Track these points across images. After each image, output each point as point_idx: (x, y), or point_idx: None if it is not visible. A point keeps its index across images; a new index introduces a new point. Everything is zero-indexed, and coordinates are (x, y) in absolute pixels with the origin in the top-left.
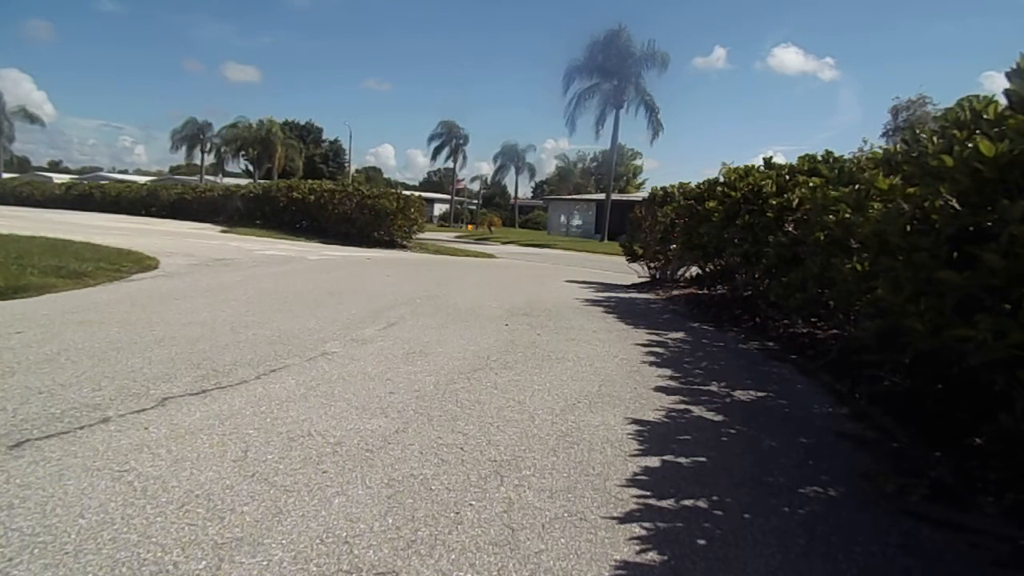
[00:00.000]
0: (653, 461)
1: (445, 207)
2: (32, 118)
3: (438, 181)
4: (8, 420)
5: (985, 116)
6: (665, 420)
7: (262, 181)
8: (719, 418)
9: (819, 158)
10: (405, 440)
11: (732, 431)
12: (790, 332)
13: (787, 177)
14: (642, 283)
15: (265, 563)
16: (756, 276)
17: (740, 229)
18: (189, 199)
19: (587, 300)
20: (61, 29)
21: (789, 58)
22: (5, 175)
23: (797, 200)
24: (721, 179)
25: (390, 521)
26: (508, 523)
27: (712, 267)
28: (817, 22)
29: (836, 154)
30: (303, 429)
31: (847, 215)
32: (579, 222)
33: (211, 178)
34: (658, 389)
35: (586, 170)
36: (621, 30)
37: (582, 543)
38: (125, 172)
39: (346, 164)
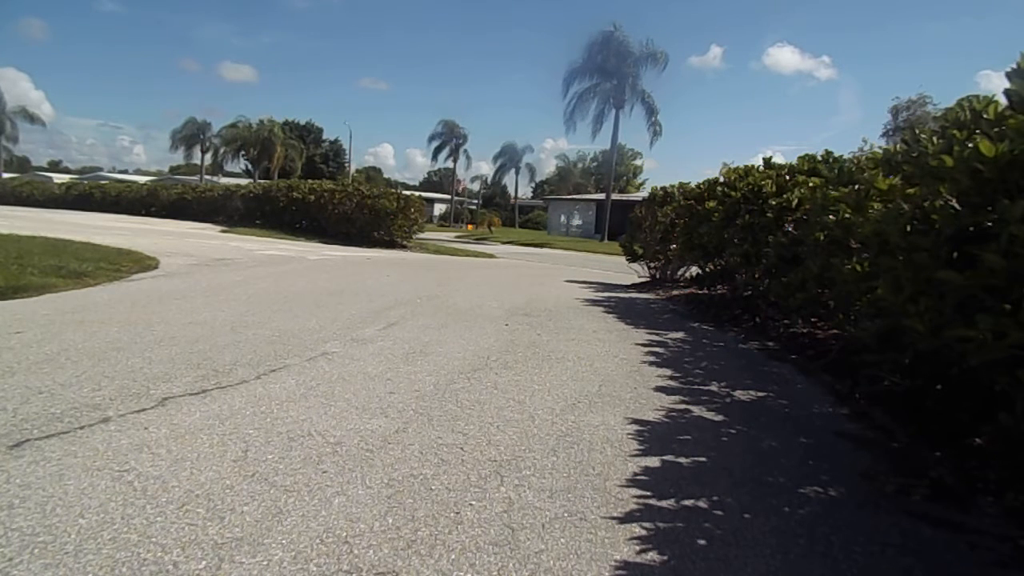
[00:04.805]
0: (653, 461)
1: (445, 207)
2: (32, 118)
3: (438, 181)
4: (8, 420)
5: (985, 116)
6: (665, 420)
7: (262, 181)
8: (719, 418)
9: (819, 158)
10: (405, 440)
11: (732, 431)
12: (790, 332)
13: (787, 177)
14: (642, 283)
15: (265, 563)
16: (756, 276)
17: (740, 229)
18: (189, 199)
19: (587, 300)
20: (58, 28)
21: (785, 57)
22: (5, 175)
23: (797, 200)
24: (721, 179)
25: (390, 521)
26: (508, 523)
27: (712, 267)
28: (812, 22)
29: (836, 154)
30: (303, 429)
31: (847, 215)
32: (579, 222)
33: (211, 178)
34: (658, 389)
35: (586, 170)
36: (617, 30)
37: (582, 543)
38: (125, 172)
39: (346, 164)
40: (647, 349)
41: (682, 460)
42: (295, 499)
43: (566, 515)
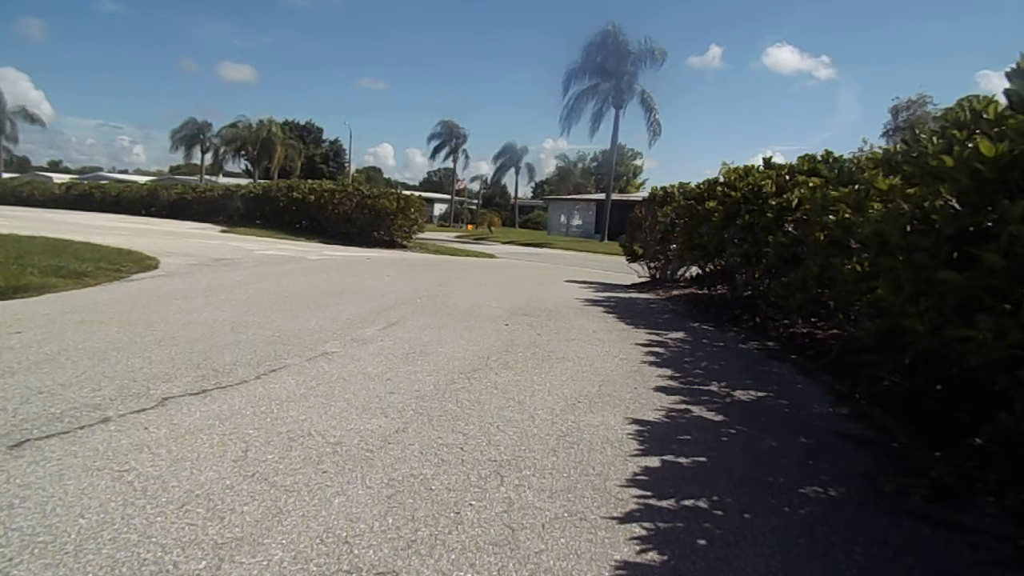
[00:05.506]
0: (653, 461)
1: (445, 207)
2: (32, 118)
3: (438, 181)
4: (8, 420)
5: (985, 116)
6: (665, 420)
7: (262, 181)
8: (719, 418)
9: (819, 158)
10: (405, 440)
11: (732, 431)
12: (790, 332)
13: (787, 177)
14: (642, 283)
15: (265, 563)
16: (756, 276)
17: (740, 229)
18: (189, 199)
19: (587, 300)
20: (58, 28)
21: (785, 57)
22: (5, 175)
23: (797, 200)
24: (721, 179)
25: (390, 521)
26: (508, 523)
27: (712, 267)
28: (812, 22)
29: (836, 154)
30: (303, 429)
31: (847, 215)
32: (579, 222)
33: (211, 178)
34: (658, 389)
35: (586, 170)
36: (615, 29)
37: (582, 543)
38: (125, 172)
39: (346, 164)
40: (647, 349)
41: (682, 460)
42: (295, 499)
43: (566, 515)
